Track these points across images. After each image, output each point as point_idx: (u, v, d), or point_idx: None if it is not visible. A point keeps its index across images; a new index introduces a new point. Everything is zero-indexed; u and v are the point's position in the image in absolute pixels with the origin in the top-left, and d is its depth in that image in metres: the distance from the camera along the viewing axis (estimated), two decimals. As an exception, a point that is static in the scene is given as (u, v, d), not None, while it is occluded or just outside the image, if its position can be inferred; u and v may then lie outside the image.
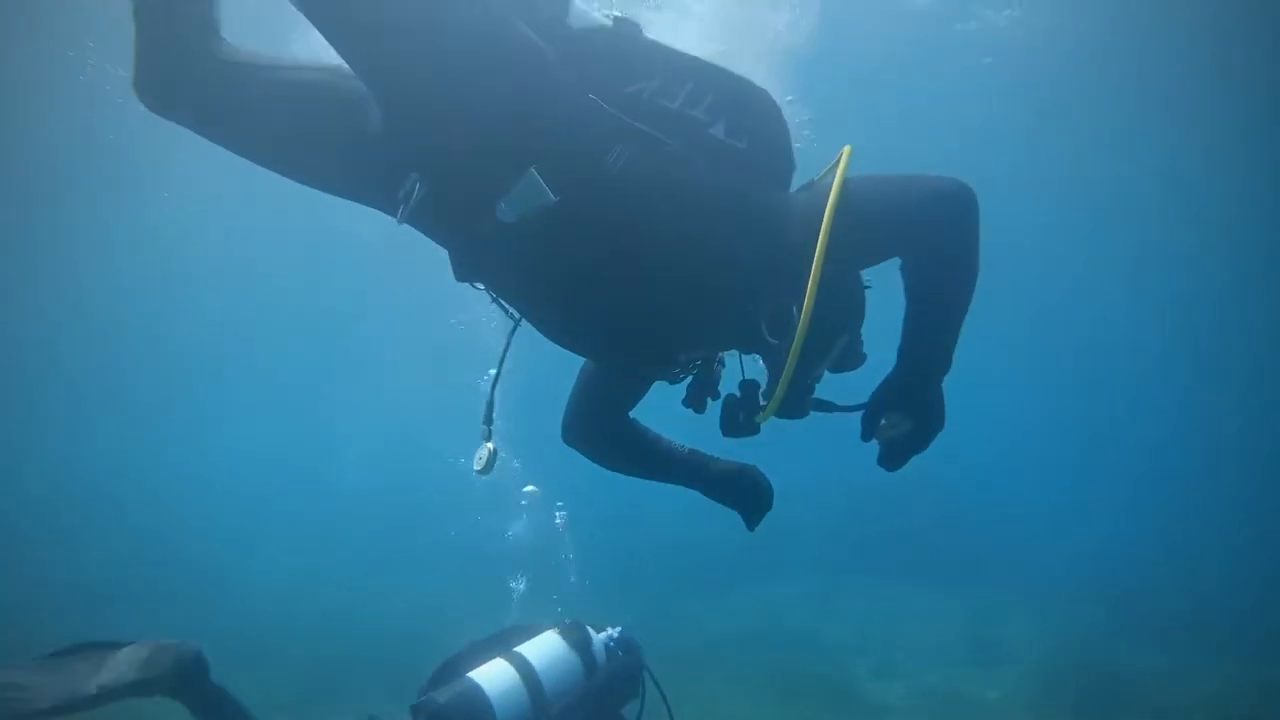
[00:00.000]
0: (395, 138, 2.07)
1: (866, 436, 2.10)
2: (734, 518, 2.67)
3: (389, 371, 21.29)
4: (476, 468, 2.51)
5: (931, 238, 1.98)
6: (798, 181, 2.30)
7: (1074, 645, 10.33)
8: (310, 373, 23.76)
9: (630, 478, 2.76)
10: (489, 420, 2.53)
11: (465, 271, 2.23)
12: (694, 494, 2.73)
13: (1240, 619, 13.87)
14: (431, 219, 2.16)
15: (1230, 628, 13.14)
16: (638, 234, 2.03)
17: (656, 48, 2.15)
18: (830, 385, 2.29)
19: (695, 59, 2.16)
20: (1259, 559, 21.85)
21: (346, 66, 2.05)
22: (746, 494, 2.58)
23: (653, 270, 2.05)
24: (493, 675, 3.12)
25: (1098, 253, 21.52)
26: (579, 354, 2.50)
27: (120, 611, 10.22)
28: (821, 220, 1.90)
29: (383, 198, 2.18)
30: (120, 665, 2.44)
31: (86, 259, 19.49)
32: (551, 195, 1.93)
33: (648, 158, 2.02)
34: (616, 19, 2.15)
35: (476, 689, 3.05)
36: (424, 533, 15.58)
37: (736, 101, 2.14)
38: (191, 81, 2.10)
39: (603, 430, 2.66)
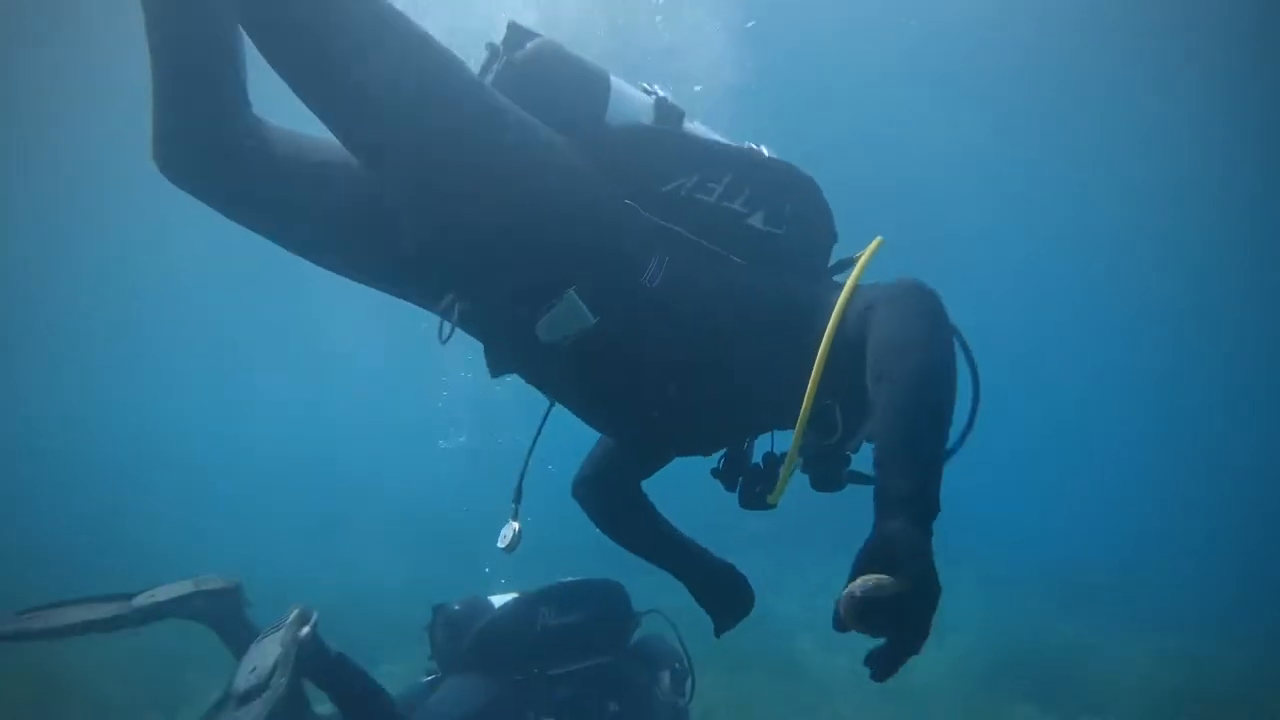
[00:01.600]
0: (429, 259, 2.04)
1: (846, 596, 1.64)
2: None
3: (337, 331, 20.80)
4: (501, 545, 2.58)
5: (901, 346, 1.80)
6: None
7: (1016, 622, 10.58)
8: (245, 329, 23.15)
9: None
10: (517, 499, 2.59)
11: (501, 369, 2.23)
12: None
13: (1175, 598, 14.38)
14: (472, 329, 2.18)
15: (1166, 606, 13.62)
16: (677, 345, 2.03)
17: (696, 141, 2.13)
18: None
19: (736, 149, 2.15)
20: (1195, 539, 22.70)
21: None
22: (725, 596, 2.64)
23: (692, 376, 2.05)
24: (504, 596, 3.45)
25: (1035, 228, 22.02)
26: (614, 439, 2.57)
27: (58, 578, 9.92)
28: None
29: (418, 301, 2.18)
30: (161, 591, 2.61)
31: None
32: (591, 317, 1.94)
33: (686, 264, 2.01)
34: (659, 104, 2.13)
35: (483, 598, 3.43)
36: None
37: (776, 188, 2.13)
38: (222, 162, 1.99)
39: (614, 497, 2.72)
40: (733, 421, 2.24)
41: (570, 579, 3.57)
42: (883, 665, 1.54)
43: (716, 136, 2.23)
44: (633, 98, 2.13)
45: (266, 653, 2.43)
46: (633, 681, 3.44)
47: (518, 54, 2.07)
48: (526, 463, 2.58)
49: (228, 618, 2.76)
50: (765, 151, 2.25)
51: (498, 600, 3.45)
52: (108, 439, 21.12)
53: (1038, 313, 25.11)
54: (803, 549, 14.00)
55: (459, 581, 3.73)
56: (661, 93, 2.16)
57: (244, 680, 2.39)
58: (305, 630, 2.47)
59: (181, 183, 2.02)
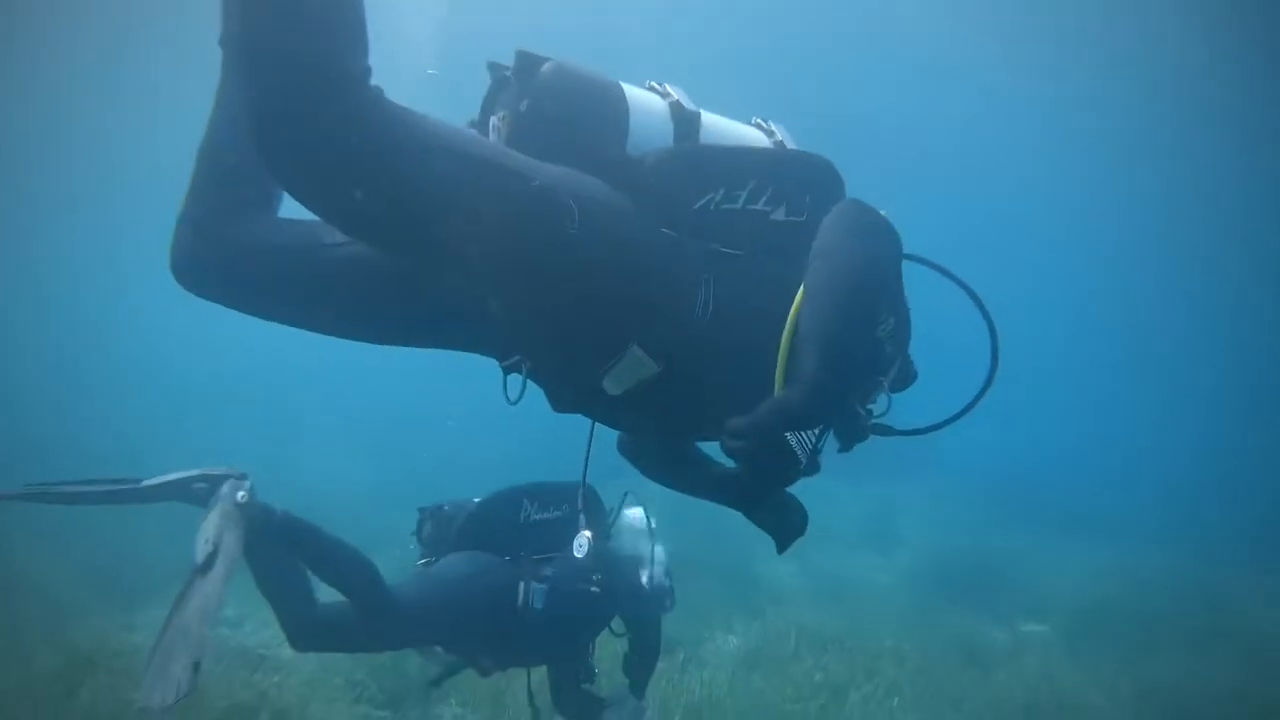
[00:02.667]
0: (500, 331, 2.11)
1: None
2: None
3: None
4: (577, 555, 2.95)
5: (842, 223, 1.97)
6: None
7: (962, 535, 10.91)
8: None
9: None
10: (583, 508, 2.89)
11: (565, 409, 2.28)
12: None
13: (1115, 514, 15.00)
14: (538, 384, 2.23)
15: (1105, 522, 14.20)
16: (731, 362, 2.05)
17: (718, 152, 2.16)
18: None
19: (752, 151, 2.20)
20: (1139, 459, 23.57)
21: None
22: (785, 518, 2.60)
23: (744, 382, 2.01)
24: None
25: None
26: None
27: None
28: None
29: (485, 354, 2.28)
30: (170, 473, 2.68)
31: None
32: (655, 366, 2.00)
33: (728, 283, 2.06)
34: (674, 111, 2.17)
35: (467, 499, 3.54)
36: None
37: (795, 182, 2.19)
38: (235, 274, 2.05)
39: (659, 452, 2.75)
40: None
41: (549, 480, 3.74)
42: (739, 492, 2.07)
43: (728, 128, 2.27)
44: (649, 110, 2.16)
45: (213, 521, 2.52)
46: (614, 564, 3.62)
47: (534, 88, 2.06)
48: (584, 476, 2.77)
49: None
50: (776, 131, 2.31)
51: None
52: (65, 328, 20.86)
53: (990, 233, 25.36)
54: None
55: (419, 492, 3.74)
56: (673, 93, 2.19)
57: (200, 551, 2.45)
58: (241, 491, 2.58)
59: (199, 293, 2.10)
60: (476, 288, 2.02)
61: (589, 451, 2.66)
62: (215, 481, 2.71)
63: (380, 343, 2.29)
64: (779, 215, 2.15)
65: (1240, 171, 21.01)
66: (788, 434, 1.82)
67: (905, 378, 2.27)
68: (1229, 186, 21.83)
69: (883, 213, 1.98)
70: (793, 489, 2.62)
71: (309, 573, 2.89)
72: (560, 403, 2.25)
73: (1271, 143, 19.45)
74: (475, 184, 1.83)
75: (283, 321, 2.19)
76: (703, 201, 2.07)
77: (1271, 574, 11.60)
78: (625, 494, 3.79)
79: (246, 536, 2.55)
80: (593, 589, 3.46)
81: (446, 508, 3.52)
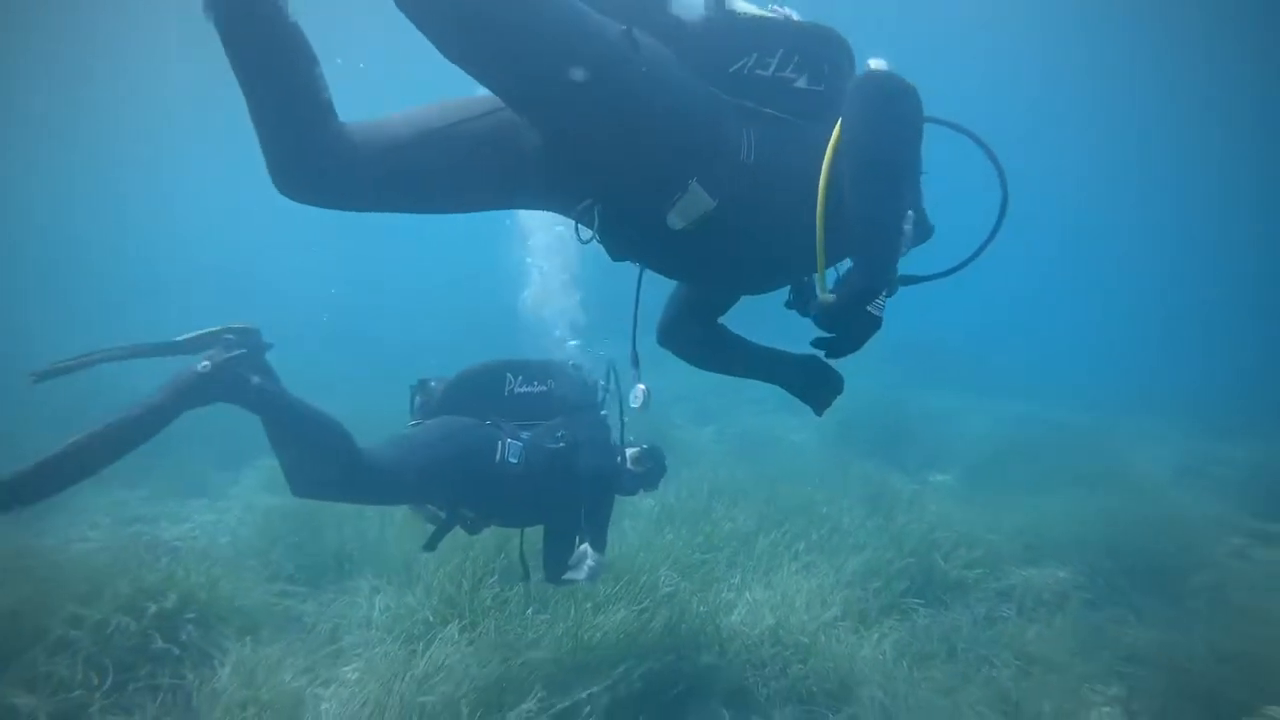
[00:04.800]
0: (570, 174, 2.30)
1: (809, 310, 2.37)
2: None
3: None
4: (634, 405, 2.98)
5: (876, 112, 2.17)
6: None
7: (878, 392, 11.28)
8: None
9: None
10: (636, 363, 2.93)
11: (622, 257, 2.55)
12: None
13: (1010, 369, 15.75)
14: (607, 229, 2.43)
15: (1004, 377, 14.93)
16: (773, 206, 2.32)
17: (748, 20, 2.37)
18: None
19: (779, 22, 2.39)
20: (1055, 322, 24.56)
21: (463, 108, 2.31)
22: (816, 381, 2.97)
23: (784, 225, 2.32)
24: None
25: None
26: (701, 289, 2.90)
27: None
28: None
29: (558, 209, 2.47)
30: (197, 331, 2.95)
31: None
32: (712, 201, 2.25)
33: (767, 136, 2.32)
34: None
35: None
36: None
37: (815, 53, 2.40)
38: (332, 171, 2.16)
39: (698, 335, 2.99)
40: (807, 258, 2.39)
41: (534, 357, 3.99)
42: (831, 353, 2.22)
43: (753, 9, 2.44)
44: None
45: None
46: (595, 431, 3.86)
47: None
48: (634, 329, 2.87)
49: (251, 352, 3.09)
50: (793, 16, 2.47)
51: None
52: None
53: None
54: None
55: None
56: None
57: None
58: (204, 363, 2.81)
59: (302, 198, 2.19)
60: (571, 132, 2.21)
61: (637, 305, 2.85)
62: (242, 333, 2.99)
63: (474, 209, 2.44)
64: (801, 83, 2.38)
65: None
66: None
67: (924, 232, 2.47)
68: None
69: (902, 78, 2.17)
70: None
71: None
72: (620, 248, 2.51)
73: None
74: (574, 27, 2.08)
75: (395, 210, 2.34)
76: (738, 65, 2.33)
77: (1151, 418, 12.48)
78: (609, 369, 4.00)
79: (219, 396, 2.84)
80: (558, 444, 3.70)
81: (432, 381, 3.80)
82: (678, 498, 6.53)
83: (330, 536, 5.57)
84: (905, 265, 2.38)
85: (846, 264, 2.49)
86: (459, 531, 3.78)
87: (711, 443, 9.86)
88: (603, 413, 4.03)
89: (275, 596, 4.82)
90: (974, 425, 11.13)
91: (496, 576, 4.48)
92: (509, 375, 3.87)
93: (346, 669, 4.00)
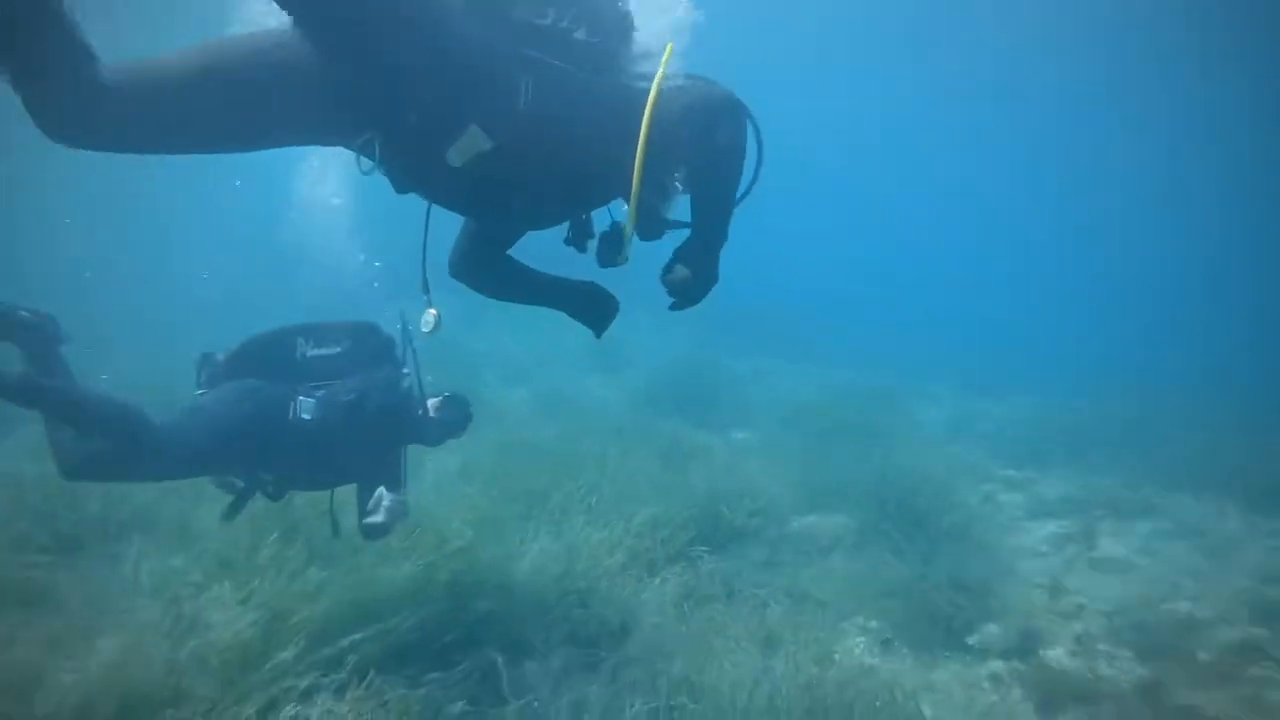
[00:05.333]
0: (349, 105, 2.34)
1: (663, 276, 2.74)
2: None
3: None
4: (425, 330, 3.03)
5: (708, 137, 2.56)
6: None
7: (687, 355, 11.66)
8: None
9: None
10: (427, 290, 3.00)
11: (406, 189, 2.63)
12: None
13: (823, 339, 16.69)
14: (388, 162, 2.49)
15: (817, 345, 15.80)
16: (550, 147, 2.47)
17: None
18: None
19: None
20: (845, 285, 26.13)
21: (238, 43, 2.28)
22: (595, 305, 3.19)
23: (560, 168, 2.54)
24: None
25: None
26: (483, 223, 3.03)
27: None
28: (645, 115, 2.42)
29: (339, 142, 2.48)
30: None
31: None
32: (489, 142, 2.38)
33: (544, 82, 2.44)
34: None
35: None
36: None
37: (595, 5, 2.53)
38: (97, 115, 2.11)
39: (486, 266, 3.13)
40: (583, 199, 2.80)
41: (325, 319, 3.89)
42: (681, 304, 2.75)
43: None
44: None
45: None
46: (389, 378, 3.83)
47: None
48: (424, 256, 2.93)
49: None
50: None
51: None
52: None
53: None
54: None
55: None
56: None
57: None
58: None
59: (72, 144, 2.13)
60: (356, 62, 2.26)
61: (426, 234, 2.91)
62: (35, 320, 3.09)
63: (259, 147, 2.46)
64: (581, 35, 2.50)
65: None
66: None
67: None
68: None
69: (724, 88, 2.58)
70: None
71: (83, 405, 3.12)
72: (403, 181, 2.60)
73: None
74: None
75: (177, 151, 2.36)
76: (518, 13, 2.44)
77: (933, 380, 13.64)
78: (403, 319, 3.95)
79: None
80: (351, 396, 3.66)
81: (218, 354, 3.72)
82: (479, 455, 6.52)
83: (93, 505, 5.16)
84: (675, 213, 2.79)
85: (620, 205, 2.85)
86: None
87: (522, 402, 9.88)
88: (404, 370, 3.98)
89: (20, 568, 4.44)
90: (781, 388, 11.75)
91: (277, 535, 4.33)
92: (299, 340, 3.79)
93: (101, 638, 3.76)
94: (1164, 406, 10.82)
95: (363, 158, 2.49)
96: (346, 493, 3.93)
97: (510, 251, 3.23)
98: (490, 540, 4.81)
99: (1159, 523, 7.22)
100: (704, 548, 5.39)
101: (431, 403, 4.01)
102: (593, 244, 2.97)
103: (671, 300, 2.77)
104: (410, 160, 2.50)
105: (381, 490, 3.67)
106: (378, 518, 3.61)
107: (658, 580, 4.80)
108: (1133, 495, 7.71)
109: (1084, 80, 25.91)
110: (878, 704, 3.57)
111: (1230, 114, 24.44)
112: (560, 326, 11.63)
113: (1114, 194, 34.90)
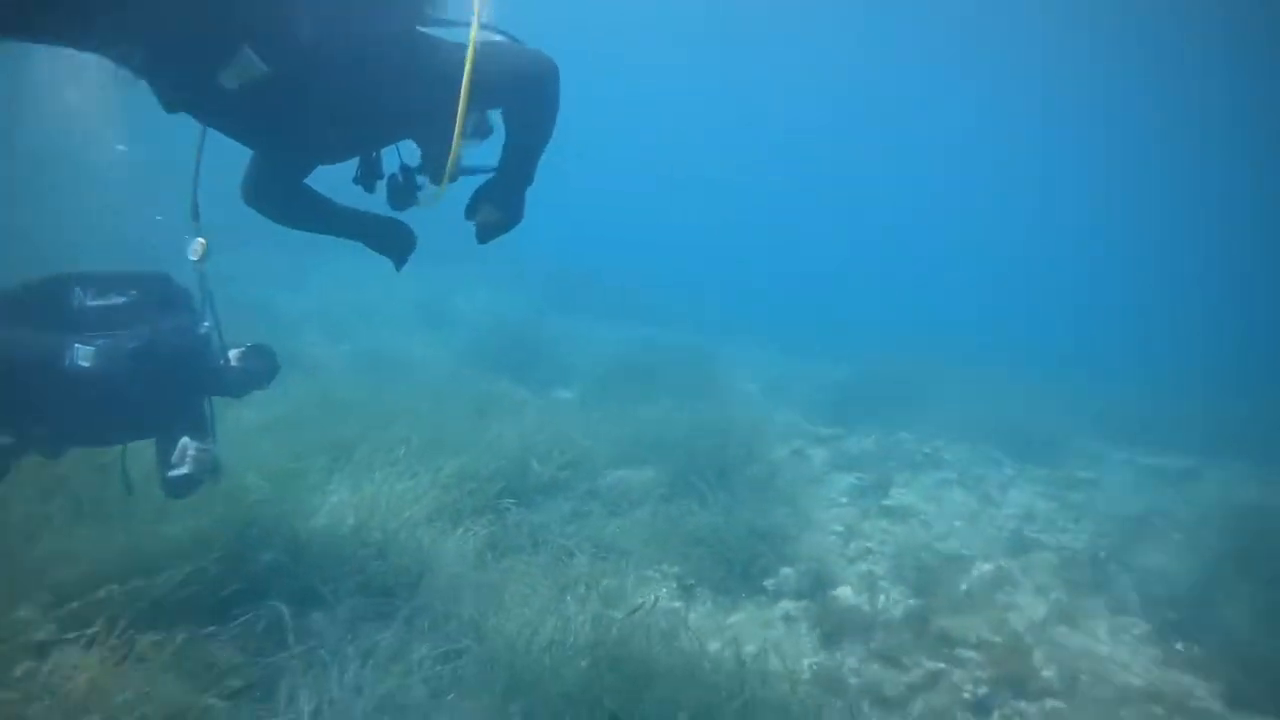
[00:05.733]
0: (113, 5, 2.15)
1: (470, 216, 2.92)
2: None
3: None
4: (193, 258, 3.07)
5: (535, 97, 2.74)
6: None
7: (514, 315, 11.62)
8: None
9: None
10: (196, 216, 2.99)
11: (175, 108, 2.46)
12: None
13: (650, 300, 16.99)
14: (151, 76, 2.36)
15: (646, 306, 16.06)
16: (337, 82, 2.45)
17: None
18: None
19: None
20: (683, 250, 26.68)
21: None
22: (397, 240, 3.23)
23: (348, 105, 2.52)
24: None
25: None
26: (267, 154, 2.93)
27: None
28: (462, 69, 2.48)
29: (96, 50, 2.31)
30: None
31: None
32: (264, 67, 2.28)
33: (325, 15, 2.36)
34: None
35: None
36: None
37: None
38: None
39: (279, 196, 3.04)
40: (371, 138, 2.83)
41: (109, 269, 3.63)
42: (488, 237, 2.99)
43: None
44: None
45: None
46: (182, 324, 3.63)
47: None
48: (196, 181, 2.93)
49: None
50: None
51: None
52: None
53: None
54: (321, 251, 13.63)
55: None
56: None
57: None
58: None
59: None
60: None
61: (199, 158, 2.91)
62: None
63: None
64: None
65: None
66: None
67: (483, 131, 2.97)
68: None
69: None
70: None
71: None
72: (171, 99, 2.44)
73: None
74: None
75: None
76: None
77: (758, 344, 14.22)
78: (201, 278, 3.68)
79: None
80: (138, 342, 3.43)
81: None
82: (286, 409, 6.25)
83: None
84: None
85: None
86: None
87: (342, 358, 9.55)
88: (205, 324, 3.74)
89: None
90: (607, 348, 11.88)
91: (31, 491, 3.99)
92: (76, 289, 3.48)
93: None
94: (958, 370, 11.78)
95: (121, 69, 2.32)
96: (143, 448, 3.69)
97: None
98: (288, 494, 4.62)
99: (945, 473, 7.87)
100: (512, 500, 5.40)
101: (234, 353, 3.82)
102: (381, 184, 3.02)
103: (480, 235, 3.00)
104: (177, 77, 2.38)
105: (185, 440, 3.46)
106: (183, 469, 3.42)
107: (461, 531, 4.77)
108: (924, 449, 8.36)
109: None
110: (659, 636, 3.71)
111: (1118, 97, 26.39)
112: (391, 287, 11.46)
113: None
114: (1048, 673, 4.43)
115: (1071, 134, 31.59)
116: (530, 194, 2.94)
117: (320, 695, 3.06)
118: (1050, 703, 4.21)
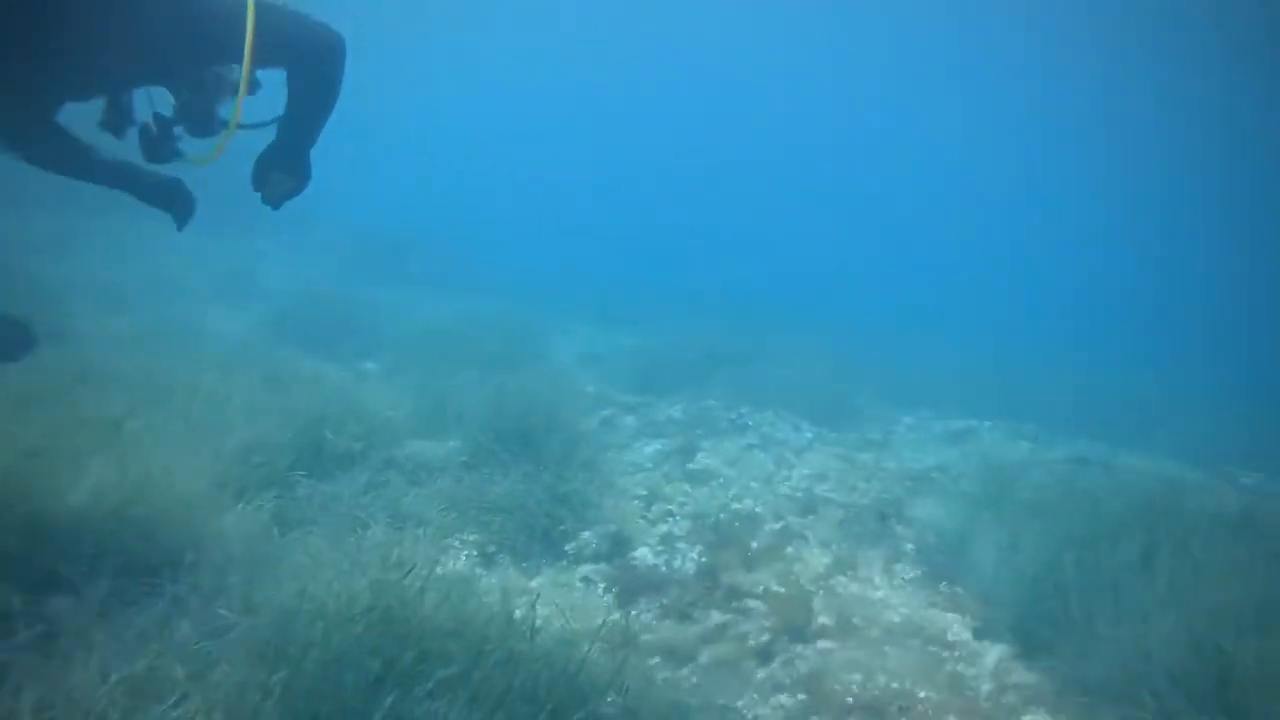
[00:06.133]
0: None
1: (258, 185, 3.06)
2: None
3: None
4: None
5: (328, 63, 2.88)
6: None
7: (326, 289, 11.10)
8: None
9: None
10: None
11: None
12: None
13: (471, 269, 16.69)
14: None
15: (463, 275, 15.75)
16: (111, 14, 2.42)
17: None
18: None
19: None
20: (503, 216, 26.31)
21: None
22: (177, 198, 3.28)
23: (103, 17, 2.42)
24: None
25: None
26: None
27: None
28: (237, 18, 2.51)
29: None
30: None
31: None
32: None
33: None
34: None
35: None
36: None
37: None
38: None
39: (23, 134, 2.91)
40: (117, 65, 2.70)
41: None
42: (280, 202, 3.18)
43: None
44: None
45: None
46: None
47: None
48: None
49: None
50: None
51: None
52: None
53: None
54: (97, 214, 12.45)
55: None
56: None
57: None
58: None
59: None
60: None
61: None
62: None
63: None
64: None
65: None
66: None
67: (252, 87, 2.97)
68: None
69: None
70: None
71: None
72: None
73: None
74: None
75: None
76: None
77: (574, 314, 14.30)
78: None
79: None
80: None
81: None
82: (40, 382, 5.67)
83: None
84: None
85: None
86: None
87: (117, 332, 8.77)
88: None
89: None
90: (418, 319, 11.58)
91: None
92: None
93: None
94: (774, 338, 12.35)
95: None
96: None
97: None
98: (29, 474, 4.19)
99: (748, 438, 8.22)
100: (304, 472, 5.17)
101: None
102: (133, 131, 2.98)
103: (271, 200, 3.18)
104: None
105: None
106: None
107: (243, 505, 4.52)
108: (730, 415, 8.71)
109: None
110: (446, 601, 3.67)
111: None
112: (189, 258, 10.78)
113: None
114: (825, 618, 4.73)
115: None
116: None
117: (53, 685, 2.81)
118: (823, 644, 4.50)
